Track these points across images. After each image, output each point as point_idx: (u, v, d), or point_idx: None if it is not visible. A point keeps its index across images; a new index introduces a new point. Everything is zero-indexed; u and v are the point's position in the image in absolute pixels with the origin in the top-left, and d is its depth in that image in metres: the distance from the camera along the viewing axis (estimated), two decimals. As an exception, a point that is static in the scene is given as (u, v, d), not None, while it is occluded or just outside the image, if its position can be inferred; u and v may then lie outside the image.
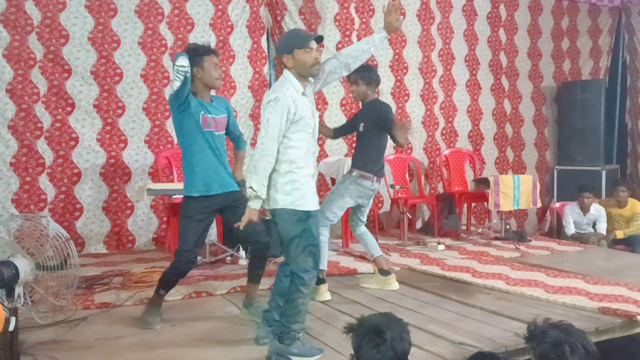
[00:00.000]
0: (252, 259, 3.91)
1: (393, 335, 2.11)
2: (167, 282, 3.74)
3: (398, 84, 7.46)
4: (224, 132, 3.81)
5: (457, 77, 7.88)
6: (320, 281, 4.15)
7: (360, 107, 4.68)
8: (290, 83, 3.16)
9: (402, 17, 3.58)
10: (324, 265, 4.31)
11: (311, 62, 3.17)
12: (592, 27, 8.95)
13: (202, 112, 3.62)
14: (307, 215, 3.16)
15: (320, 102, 6.88)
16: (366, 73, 4.46)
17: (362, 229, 4.63)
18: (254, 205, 3.11)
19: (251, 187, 3.08)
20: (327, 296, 4.29)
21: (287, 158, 3.13)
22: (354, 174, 4.44)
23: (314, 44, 3.19)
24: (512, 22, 8.28)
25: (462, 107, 7.96)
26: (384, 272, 4.60)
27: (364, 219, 4.65)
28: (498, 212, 6.69)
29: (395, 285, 4.57)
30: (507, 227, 6.79)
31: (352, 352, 2.19)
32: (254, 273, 3.89)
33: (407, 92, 7.52)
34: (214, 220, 4.26)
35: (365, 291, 4.47)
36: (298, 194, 3.14)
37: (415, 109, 7.58)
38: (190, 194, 3.63)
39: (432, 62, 7.67)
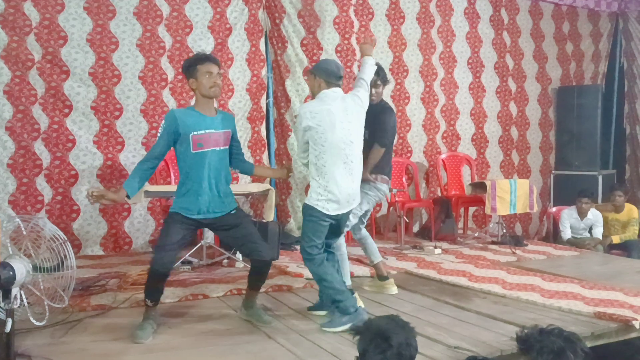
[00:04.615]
0: (253, 271, 3.82)
1: (400, 341, 2.09)
2: (150, 290, 3.59)
3: (398, 87, 7.46)
4: (227, 147, 3.66)
5: (459, 79, 7.88)
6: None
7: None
8: None
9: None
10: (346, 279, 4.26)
11: None
12: (594, 32, 8.99)
13: (192, 132, 3.49)
14: None
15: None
16: (382, 72, 4.44)
17: (363, 233, 4.60)
18: None
19: None
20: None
21: None
22: (373, 179, 4.39)
23: None
24: (514, 25, 8.30)
25: (465, 110, 7.96)
26: (382, 278, 4.60)
27: (366, 221, 4.64)
28: (502, 216, 6.70)
29: (394, 290, 4.56)
30: (504, 231, 6.80)
31: (357, 355, 2.17)
32: (255, 283, 3.85)
33: (408, 95, 7.53)
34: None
35: (362, 295, 4.46)
36: None
37: (415, 112, 7.59)
38: (171, 209, 3.63)
39: (432, 65, 7.67)
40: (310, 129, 3.67)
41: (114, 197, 3.46)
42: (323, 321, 3.78)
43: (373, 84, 4.34)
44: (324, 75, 3.78)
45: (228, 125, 3.68)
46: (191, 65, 3.56)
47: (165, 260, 3.51)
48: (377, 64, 4.24)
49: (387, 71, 7.24)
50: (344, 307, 3.67)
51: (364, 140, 4.33)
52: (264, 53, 6.75)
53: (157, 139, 3.57)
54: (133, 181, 3.48)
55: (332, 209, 3.71)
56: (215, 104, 3.79)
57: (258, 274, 3.80)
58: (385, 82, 4.53)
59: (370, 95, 4.22)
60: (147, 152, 3.69)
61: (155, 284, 3.59)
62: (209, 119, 3.57)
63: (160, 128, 3.56)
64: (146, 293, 3.62)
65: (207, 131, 3.53)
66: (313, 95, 3.87)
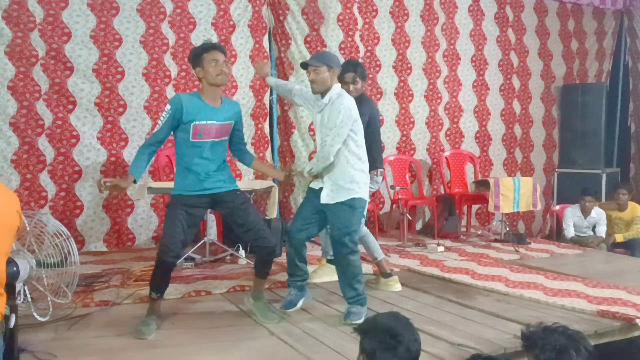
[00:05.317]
0: (258, 258, 3.85)
1: (408, 337, 2.09)
2: (157, 281, 3.62)
3: (402, 84, 7.45)
4: (226, 138, 3.69)
5: (462, 77, 7.87)
6: None
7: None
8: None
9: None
10: None
11: None
12: (599, 29, 8.96)
13: (194, 121, 3.51)
14: None
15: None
16: (360, 68, 4.50)
17: (364, 230, 4.56)
18: None
19: None
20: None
21: None
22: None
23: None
24: (519, 23, 8.27)
25: (469, 107, 7.94)
26: (386, 275, 4.60)
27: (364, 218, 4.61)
28: (505, 214, 6.69)
29: (398, 287, 4.56)
30: (507, 229, 6.79)
31: (362, 354, 2.14)
32: (261, 271, 3.87)
33: (411, 92, 7.52)
34: (205, 218, 4.22)
35: (366, 292, 4.46)
36: None
37: (419, 109, 7.58)
38: (173, 192, 3.67)
39: (436, 63, 7.66)
40: (357, 120, 3.77)
41: (125, 185, 3.52)
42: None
43: (352, 81, 4.45)
44: (339, 68, 3.87)
45: (232, 116, 3.69)
46: (197, 54, 3.57)
47: (172, 247, 3.51)
48: (350, 62, 4.71)
49: (390, 68, 7.34)
50: (363, 299, 3.82)
51: None
52: (267, 50, 6.74)
53: (160, 122, 3.55)
54: (137, 165, 3.53)
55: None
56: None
57: (264, 261, 3.82)
58: (363, 78, 4.56)
59: (349, 91, 4.31)
60: (149, 136, 3.69)
61: (161, 274, 3.59)
62: (213, 109, 3.58)
63: (164, 112, 3.54)
64: (151, 285, 3.64)
65: (208, 122, 3.55)
66: (323, 87, 3.76)
